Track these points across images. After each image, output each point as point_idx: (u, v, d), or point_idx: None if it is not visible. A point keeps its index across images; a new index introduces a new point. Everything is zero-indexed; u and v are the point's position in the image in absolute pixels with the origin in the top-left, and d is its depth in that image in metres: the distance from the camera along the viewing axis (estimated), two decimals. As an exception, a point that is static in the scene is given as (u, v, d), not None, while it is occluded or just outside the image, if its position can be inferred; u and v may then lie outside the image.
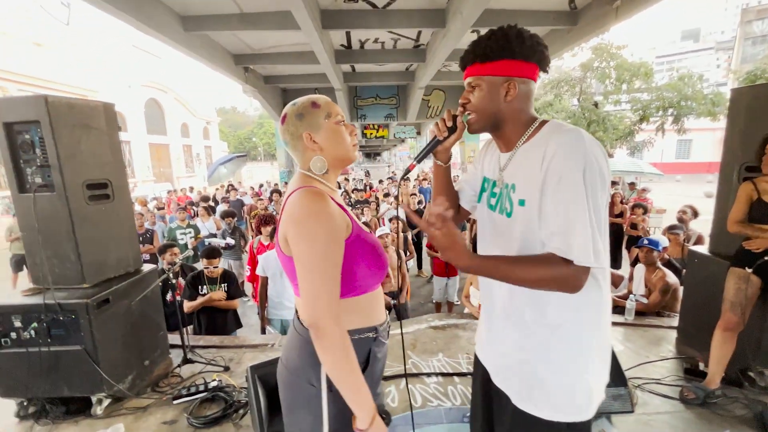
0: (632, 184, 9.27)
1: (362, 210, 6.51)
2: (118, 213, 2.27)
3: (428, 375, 2.43)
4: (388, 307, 3.80)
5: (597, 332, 0.94)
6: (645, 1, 4.57)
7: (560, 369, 0.93)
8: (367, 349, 1.01)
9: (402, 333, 1.19)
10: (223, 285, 3.20)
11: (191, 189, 14.79)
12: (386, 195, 8.34)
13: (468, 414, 2.07)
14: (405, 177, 1.15)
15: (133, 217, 2.43)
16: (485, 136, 1.07)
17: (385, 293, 3.78)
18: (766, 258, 1.89)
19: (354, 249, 0.96)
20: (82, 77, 15.52)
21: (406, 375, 2.34)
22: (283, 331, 3.15)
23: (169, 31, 5.28)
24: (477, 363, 1.19)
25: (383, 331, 1.07)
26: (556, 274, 0.83)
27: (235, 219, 5.82)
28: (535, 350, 0.96)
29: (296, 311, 1.07)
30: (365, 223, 6.23)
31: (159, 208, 8.45)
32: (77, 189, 2.02)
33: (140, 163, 19.51)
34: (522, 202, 0.92)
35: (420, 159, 1.08)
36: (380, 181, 14.07)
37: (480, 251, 1.11)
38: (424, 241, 6.44)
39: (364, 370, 1.00)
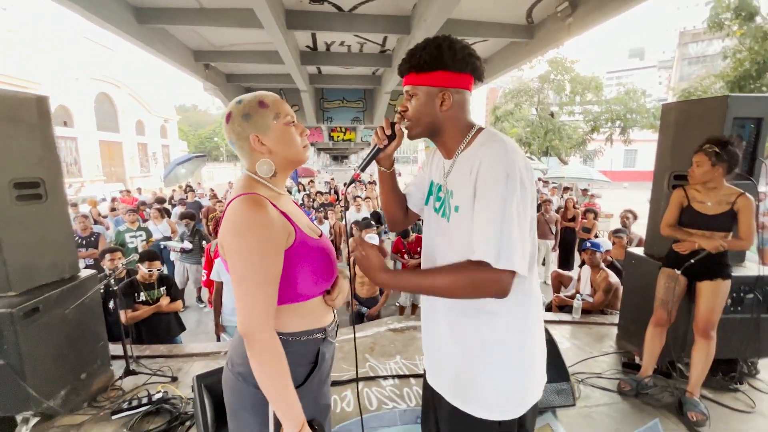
0: (585, 191, 9.85)
1: (326, 213, 6.45)
2: (52, 214, 2.09)
3: (384, 378, 2.44)
4: (359, 315, 3.79)
5: (528, 331, 0.97)
6: (595, 20, 4.89)
7: (488, 366, 0.96)
8: (315, 349, 1.02)
9: (355, 338, 1.19)
10: (162, 288, 3.05)
11: (139, 190, 13.94)
12: (355, 198, 8.31)
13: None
14: (349, 185, 1.16)
15: (69, 218, 2.25)
16: None
17: (363, 299, 3.79)
18: (692, 260, 2.06)
19: (297, 257, 0.94)
20: (22, 68, 14.27)
21: (357, 380, 2.33)
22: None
23: (121, 22, 4.98)
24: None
25: (331, 331, 1.07)
26: (475, 279, 0.85)
27: (194, 221, 5.55)
28: (464, 348, 0.98)
29: None
30: (330, 227, 6.18)
31: (112, 210, 7.92)
32: (2, 188, 1.85)
33: (89, 161, 18.19)
34: (457, 209, 0.96)
35: (363, 168, 1.10)
36: (344, 184, 13.99)
37: (423, 253, 1.15)
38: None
39: (312, 370, 1.00)
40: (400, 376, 2.46)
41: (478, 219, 0.87)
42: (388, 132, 1.03)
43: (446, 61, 0.92)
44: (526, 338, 0.97)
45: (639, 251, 2.80)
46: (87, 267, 3.05)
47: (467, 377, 0.98)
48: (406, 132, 1.04)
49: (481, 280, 0.85)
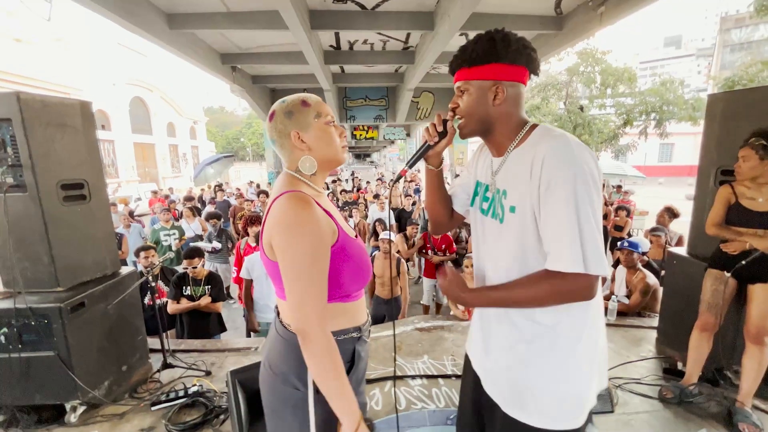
0: (619, 187, 9.45)
1: (350, 212, 6.48)
2: (94, 214, 2.20)
3: (413, 377, 2.42)
4: (381, 316, 3.74)
5: (587, 337, 0.92)
6: (629, 8, 4.67)
7: (549, 374, 0.92)
8: (351, 349, 1.02)
9: (395, 335, 1.18)
10: (207, 287, 3.15)
11: (171, 190, 14.46)
12: (375, 196, 8.33)
13: (452, 416, 2.07)
14: (396, 181, 1.13)
15: (111, 218, 2.36)
16: (475, 138, 1.07)
17: (384, 301, 3.73)
18: (743, 261, 1.93)
19: (340, 255, 0.95)
20: (65, 75, 15.11)
21: (395, 377, 2.33)
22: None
23: (154, 28, 5.19)
24: (467, 366, 1.18)
25: (366, 331, 1.07)
26: (555, 288, 0.83)
27: (221, 221, 5.71)
28: (524, 355, 0.94)
29: (277, 313, 1.05)
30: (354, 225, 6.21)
31: (129, 213, 8.16)
32: (51, 189, 1.95)
33: (125, 163, 19.08)
34: (513, 209, 0.91)
35: (411, 164, 1.07)
36: (368, 182, 14.05)
37: (474, 256, 1.12)
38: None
39: (349, 370, 1.00)
40: (428, 377, 2.43)
41: (552, 224, 0.83)
42: (440, 129, 1.00)
43: (500, 52, 0.89)
44: (587, 344, 0.92)
45: (681, 251, 2.65)
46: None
47: (525, 386, 0.94)
48: (457, 131, 1.01)
49: (564, 288, 0.83)
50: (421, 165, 1.13)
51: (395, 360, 1.61)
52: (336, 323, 0.98)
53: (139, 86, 20.67)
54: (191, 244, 5.46)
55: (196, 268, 3.10)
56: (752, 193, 1.95)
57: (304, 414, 0.95)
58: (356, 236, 1.06)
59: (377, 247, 5.33)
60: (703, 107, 14.19)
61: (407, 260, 4.96)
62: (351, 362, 1.01)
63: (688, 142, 27.81)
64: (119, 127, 18.75)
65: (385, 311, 3.75)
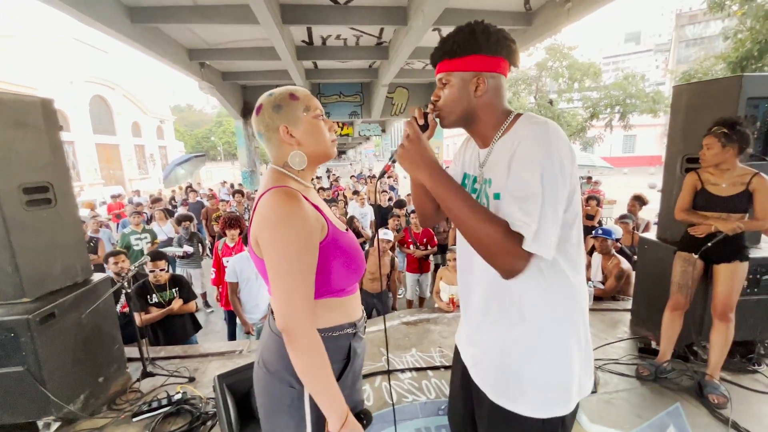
0: (589, 178, 9.81)
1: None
2: (62, 218, 2.07)
3: (402, 371, 2.44)
4: (369, 309, 3.80)
5: (571, 325, 0.93)
6: (594, 4, 4.84)
7: (534, 362, 0.93)
8: (347, 345, 1.00)
9: (386, 329, 1.18)
10: (173, 290, 3.04)
11: (137, 193, 13.82)
12: (355, 193, 8.28)
13: (443, 407, 2.10)
14: (381, 177, 1.12)
15: (80, 222, 2.23)
16: (451, 132, 1.07)
17: (370, 293, 3.78)
18: (709, 243, 2.05)
19: (329, 250, 0.93)
20: (17, 73, 14.14)
21: (389, 371, 2.34)
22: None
23: (115, 23, 4.92)
24: (456, 356, 1.19)
25: (361, 327, 1.06)
26: (499, 240, 0.81)
27: (192, 223, 5.49)
28: (508, 343, 0.95)
29: (271, 312, 1.02)
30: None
31: (93, 217, 7.74)
32: (12, 193, 1.82)
33: (86, 165, 18.10)
34: (497, 196, 0.92)
35: (395, 159, 1.07)
36: (336, 179, 13.99)
37: (458, 249, 1.11)
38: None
39: (346, 366, 0.99)
40: (417, 369, 2.46)
41: (514, 189, 0.82)
42: (421, 122, 1.00)
43: (480, 44, 0.89)
44: (572, 333, 0.94)
45: (651, 236, 2.79)
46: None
47: (511, 375, 0.95)
48: (438, 121, 1.01)
49: (504, 245, 0.81)
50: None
51: (387, 353, 1.61)
52: (330, 318, 0.96)
53: (100, 84, 19.62)
54: (160, 248, 5.27)
55: (164, 270, 2.98)
56: (716, 179, 2.08)
57: (300, 412, 0.93)
58: (347, 230, 1.04)
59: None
60: (662, 100, 14.99)
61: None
62: (347, 359, 1.00)
63: (649, 133, 29.29)
64: (79, 127, 17.75)
65: (374, 305, 3.81)
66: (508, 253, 0.82)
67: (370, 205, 6.81)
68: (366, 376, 2.36)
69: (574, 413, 0.98)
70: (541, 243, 0.80)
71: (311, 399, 0.92)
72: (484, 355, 1.02)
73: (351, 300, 1.02)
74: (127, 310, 2.76)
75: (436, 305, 3.44)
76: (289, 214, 0.85)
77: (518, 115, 0.94)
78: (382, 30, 6.40)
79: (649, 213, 5.15)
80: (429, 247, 4.60)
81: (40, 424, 1.92)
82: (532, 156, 0.82)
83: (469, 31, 0.90)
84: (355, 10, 5.53)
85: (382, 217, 5.46)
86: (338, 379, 0.95)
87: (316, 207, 0.94)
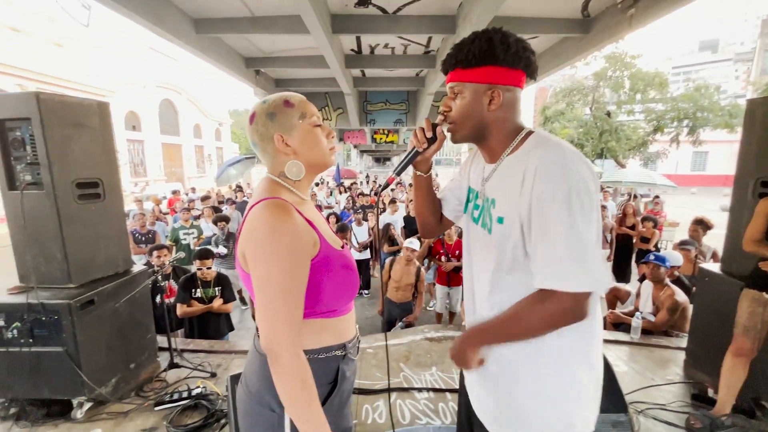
0: (656, 197, 8.88)
1: (365, 215, 6.44)
2: (108, 212, 2.24)
3: (419, 390, 2.33)
4: (393, 319, 3.73)
5: (581, 358, 0.86)
6: (659, 10, 4.45)
7: (536, 394, 0.87)
8: (335, 367, 0.95)
9: (387, 344, 1.12)
10: (217, 288, 3.16)
11: (193, 189, 14.87)
12: (392, 201, 8.26)
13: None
14: (383, 190, 1.10)
15: (124, 216, 2.40)
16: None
17: (397, 304, 3.72)
18: (783, 281, 1.76)
19: (322, 268, 0.88)
20: (100, 78, 15.86)
21: (389, 390, 2.25)
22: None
23: (182, 33, 5.34)
24: (462, 380, 1.14)
25: (352, 348, 1.00)
26: (551, 308, 0.78)
27: (229, 223, 5.70)
28: (510, 372, 0.90)
29: (257, 329, 1.00)
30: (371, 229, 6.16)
31: (152, 210, 8.38)
32: (66, 187, 1.99)
33: (153, 163, 19.82)
34: (501, 220, 0.86)
35: (399, 172, 1.05)
36: (379, 187, 14.00)
37: (464, 263, 1.07)
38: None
39: (333, 389, 0.94)
40: (435, 390, 2.34)
41: (546, 239, 0.77)
42: (429, 134, 0.95)
43: (497, 54, 0.83)
44: (582, 365, 0.86)
45: (714, 267, 2.46)
46: (146, 264, 3.22)
47: (509, 406, 0.90)
48: (448, 135, 0.95)
49: (558, 308, 0.78)
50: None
51: (388, 372, 1.54)
52: (318, 340, 0.91)
53: (168, 89, 21.45)
54: (201, 246, 5.54)
55: (210, 268, 3.11)
56: (796, 207, 1.78)
57: None
58: (343, 247, 0.99)
59: (390, 254, 5.27)
60: (740, 113, 13.45)
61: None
62: (334, 382, 0.94)
63: (723, 150, 26.45)
64: (149, 127, 19.49)
65: (398, 315, 3.75)
66: (567, 308, 0.78)
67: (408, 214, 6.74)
68: (380, 392, 2.28)
69: None
70: (573, 280, 0.76)
71: (292, 425, 0.86)
72: (486, 379, 0.96)
73: (343, 321, 0.96)
74: (168, 300, 2.93)
75: (463, 322, 3.28)
76: (278, 228, 0.80)
77: (529, 133, 0.87)
78: (430, 39, 6.38)
79: (718, 240, 4.58)
80: (460, 259, 4.44)
81: (74, 402, 2.06)
82: (554, 193, 0.75)
83: (487, 40, 0.84)
84: (403, 20, 5.56)
85: (409, 228, 5.40)
86: (324, 403, 0.90)
87: (310, 222, 0.89)
